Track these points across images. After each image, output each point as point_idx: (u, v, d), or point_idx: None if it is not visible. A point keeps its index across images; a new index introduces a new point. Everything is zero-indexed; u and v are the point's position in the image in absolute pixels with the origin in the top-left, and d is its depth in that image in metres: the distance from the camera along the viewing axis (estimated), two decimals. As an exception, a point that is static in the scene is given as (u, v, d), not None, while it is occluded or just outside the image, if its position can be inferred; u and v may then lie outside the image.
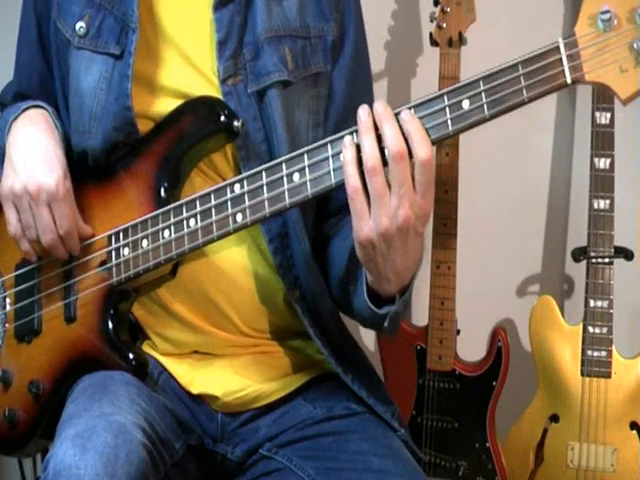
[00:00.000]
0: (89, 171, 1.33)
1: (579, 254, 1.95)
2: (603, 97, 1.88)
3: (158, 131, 1.29)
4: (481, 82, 1.05)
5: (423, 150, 1.03)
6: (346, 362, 1.35)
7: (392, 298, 1.17)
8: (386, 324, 1.19)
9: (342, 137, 1.10)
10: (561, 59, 1.02)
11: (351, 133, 1.09)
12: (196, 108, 1.27)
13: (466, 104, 1.05)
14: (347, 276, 1.27)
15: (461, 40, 1.92)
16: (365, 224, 1.07)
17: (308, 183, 1.12)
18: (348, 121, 1.33)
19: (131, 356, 1.26)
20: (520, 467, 1.96)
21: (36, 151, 1.28)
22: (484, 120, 1.05)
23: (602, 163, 1.90)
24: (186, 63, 1.30)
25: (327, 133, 1.35)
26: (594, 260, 1.91)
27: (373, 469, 1.23)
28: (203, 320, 1.32)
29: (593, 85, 1.03)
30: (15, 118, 1.34)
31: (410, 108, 1.07)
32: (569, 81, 1.02)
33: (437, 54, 1.94)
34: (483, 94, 1.05)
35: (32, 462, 2.02)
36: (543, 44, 2.15)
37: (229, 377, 1.33)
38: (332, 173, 1.11)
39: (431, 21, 1.94)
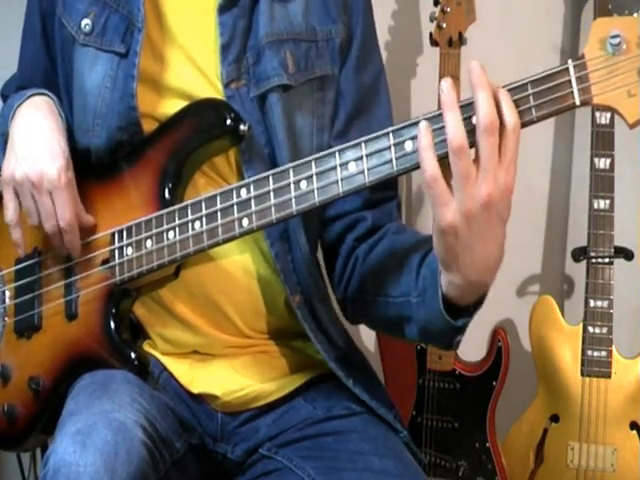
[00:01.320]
0: (92, 168, 1.33)
1: (579, 254, 1.95)
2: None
3: (163, 131, 1.29)
4: None
5: (512, 115, 1.00)
6: (347, 366, 1.34)
7: (466, 309, 1.12)
8: (459, 337, 1.16)
9: (348, 148, 1.10)
10: (570, 81, 1.02)
11: (355, 146, 1.09)
12: (202, 110, 1.27)
13: (475, 121, 1.03)
14: (404, 288, 1.23)
15: (461, 40, 1.92)
16: (448, 209, 1.01)
17: (315, 191, 1.12)
18: (356, 121, 1.33)
19: (133, 355, 1.26)
20: (520, 467, 1.96)
21: (39, 139, 1.27)
22: None
23: (602, 163, 1.90)
24: (191, 65, 1.30)
25: (335, 134, 1.35)
26: (594, 260, 1.91)
27: (373, 469, 1.22)
28: (204, 321, 1.32)
29: (601, 108, 1.04)
30: (20, 104, 1.33)
31: (421, 121, 1.04)
32: (578, 102, 1.02)
33: (437, 54, 1.94)
34: None
35: (32, 461, 2.02)
36: (543, 44, 2.16)
37: (229, 377, 1.32)
38: (340, 183, 1.10)
39: (431, 21, 1.94)
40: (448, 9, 1.92)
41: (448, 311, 1.12)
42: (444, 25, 1.92)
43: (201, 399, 1.33)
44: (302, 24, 1.32)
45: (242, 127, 1.24)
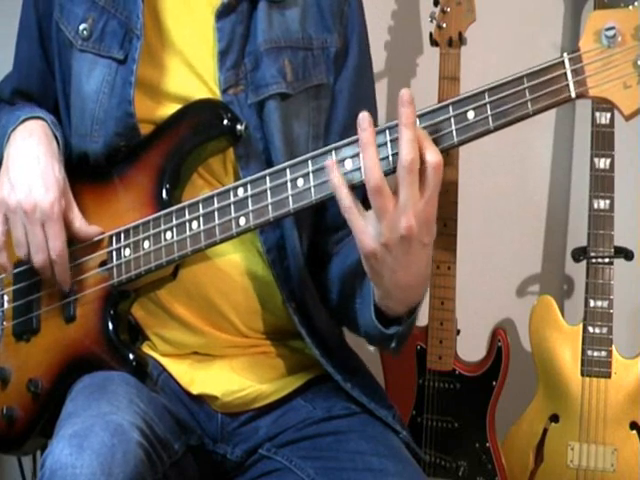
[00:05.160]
0: (91, 171, 1.33)
1: (579, 254, 1.95)
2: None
3: (160, 133, 1.29)
4: (486, 94, 1.05)
5: (435, 154, 1.03)
6: (344, 370, 1.35)
7: (399, 318, 1.16)
8: (393, 344, 1.19)
9: (344, 145, 1.10)
10: (566, 73, 1.03)
11: (351, 143, 1.09)
12: (199, 110, 1.27)
13: (471, 115, 1.05)
14: (352, 293, 1.26)
15: (461, 40, 1.92)
16: (366, 236, 1.06)
17: (312, 189, 1.12)
18: (350, 134, 1.35)
19: (131, 357, 1.26)
20: (520, 467, 1.96)
21: (34, 168, 1.26)
22: (489, 131, 1.06)
23: (602, 163, 1.90)
24: (189, 71, 1.30)
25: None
26: (594, 260, 1.91)
27: (373, 469, 1.22)
28: (203, 321, 1.32)
29: (597, 100, 1.04)
30: (14, 129, 1.32)
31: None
32: (573, 95, 1.03)
33: (437, 54, 1.94)
34: (488, 106, 1.05)
35: (32, 462, 2.02)
36: (543, 44, 2.17)
37: (229, 377, 1.33)
38: None
39: (431, 21, 1.94)
40: (448, 9, 1.92)
41: (382, 318, 1.16)
42: (444, 25, 1.92)
43: (201, 400, 1.33)
44: (299, 31, 1.33)
45: (239, 127, 1.24)
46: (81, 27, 1.31)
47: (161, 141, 1.28)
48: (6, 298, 1.37)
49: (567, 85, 1.03)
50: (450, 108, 1.06)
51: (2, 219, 1.27)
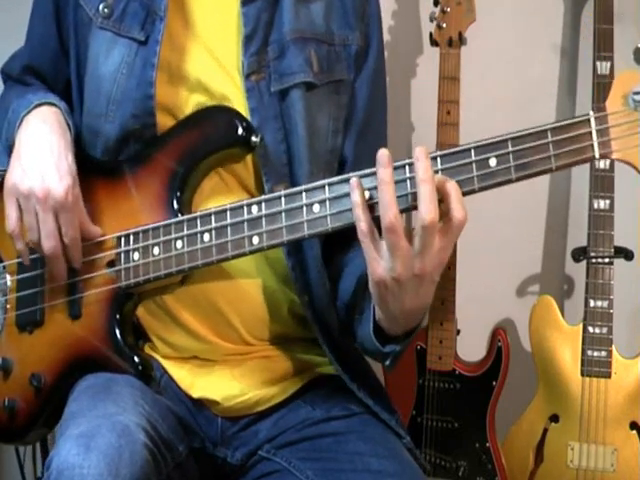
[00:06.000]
0: (100, 167, 1.31)
1: (579, 254, 1.94)
2: (604, 97, 1.88)
3: (174, 135, 1.28)
4: (509, 143, 1.04)
5: (461, 213, 1.02)
6: (352, 370, 1.35)
7: (397, 337, 1.16)
8: (387, 362, 1.19)
9: (363, 176, 1.08)
10: (591, 133, 1.02)
11: (371, 174, 1.07)
12: (215, 118, 1.26)
13: (493, 162, 1.04)
14: (354, 303, 1.26)
15: (461, 40, 1.92)
16: (378, 265, 1.05)
17: (328, 217, 1.11)
18: (368, 132, 1.33)
19: (137, 360, 1.25)
20: (520, 467, 1.96)
21: (47, 156, 1.25)
22: (510, 181, 1.04)
23: (602, 163, 1.90)
24: (209, 56, 1.30)
25: (349, 142, 1.36)
26: (594, 260, 1.91)
27: (372, 470, 1.23)
28: (208, 329, 1.31)
29: (620, 162, 1.03)
30: (27, 114, 1.30)
31: (435, 158, 1.05)
32: (597, 156, 1.02)
33: (437, 54, 1.94)
34: (511, 155, 1.04)
35: (32, 462, 2.02)
36: (543, 44, 2.16)
37: (229, 382, 1.32)
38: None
39: (431, 21, 1.94)
40: (448, 9, 1.92)
41: (380, 335, 1.16)
42: (444, 25, 1.92)
43: (201, 403, 1.33)
44: (323, 26, 1.33)
45: (254, 138, 1.23)
46: (101, 6, 1.30)
47: (173, 144, 1.27)
48: (9, 286, 1.35)
49: (592, 145, 1.02)
50: (472, 152, 1.05)
51: (15, 205, 1.25)
